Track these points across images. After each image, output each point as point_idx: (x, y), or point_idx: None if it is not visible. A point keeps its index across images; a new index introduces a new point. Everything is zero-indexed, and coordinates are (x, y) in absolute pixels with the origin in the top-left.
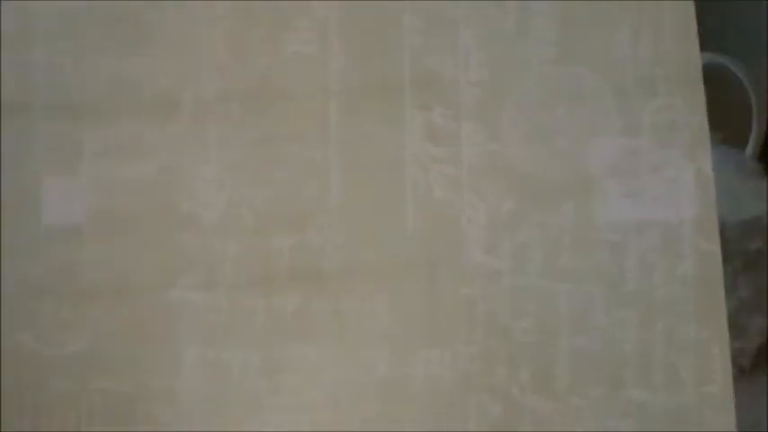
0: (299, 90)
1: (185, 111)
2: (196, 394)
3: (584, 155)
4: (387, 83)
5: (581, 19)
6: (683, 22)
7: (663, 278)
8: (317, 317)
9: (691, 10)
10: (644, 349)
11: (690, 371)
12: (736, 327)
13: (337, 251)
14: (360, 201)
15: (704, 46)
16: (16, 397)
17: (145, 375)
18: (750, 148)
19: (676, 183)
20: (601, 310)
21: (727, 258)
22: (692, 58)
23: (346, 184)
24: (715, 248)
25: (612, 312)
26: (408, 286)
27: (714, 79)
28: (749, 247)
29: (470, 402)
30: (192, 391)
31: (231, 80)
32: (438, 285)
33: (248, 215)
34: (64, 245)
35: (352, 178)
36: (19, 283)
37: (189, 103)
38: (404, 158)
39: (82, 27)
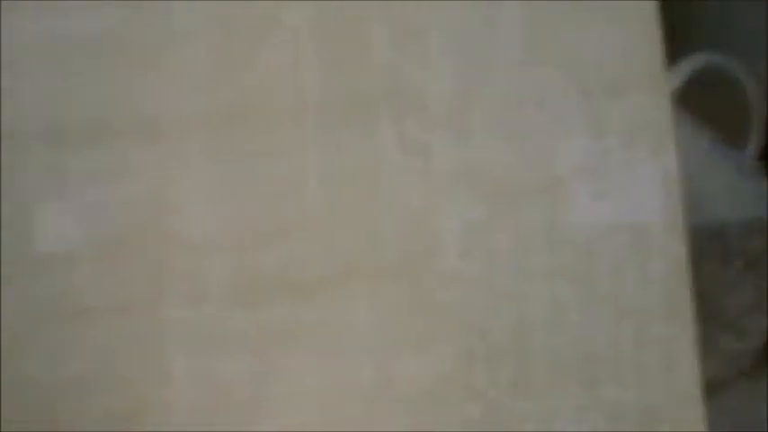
0: (277, 105)
1: (168, 130)
2: (189, 406)
3: (553, 157)
4: (360, 94)
5: (547, 21)
6: (646, 21)
7: (632, 278)
8: (303, 326)
9: (654, 9)
10: (615, 348)
11: (659, 368)
12: (737, 327)
13: (319, 262)
14: (338, 212)
15: (704, 46)
16: (21, 422)
17: (141, 390)
18: (750, 149)
19: (643, 183)
20: (573, 310)
21: (727, 258)
22: (656, 57)
23: (325, 197)
24: (681, 247)
25: (585, 312)
26: (389, 293)
27: (714, 79)
28: (749, 247)
29: (451, 403)
30: (185, 402)
31: (211, 98)
32: (416, 291)
33: (233, 231)
34: (58, 270)
35: (330, 190)
36: (16, 310)
37: (171, 123)
38: (379, 169)
39: (65, 52)
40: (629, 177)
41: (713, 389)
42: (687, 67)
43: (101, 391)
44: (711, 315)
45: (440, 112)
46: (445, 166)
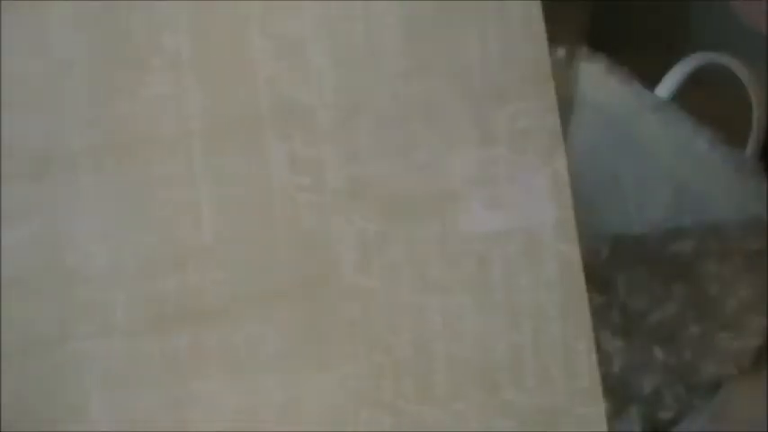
0: (163, 132)
1: (56, 166)
2: None
3: (443, 168)
4: (245, 115)
5: (428, 28)
6: (529, 23)
7: (527, 283)
8: (210, 352)
9: (537, 10)
10: (515, 352)
11: (559, 370)
12: (736, 326)
13: (218, 287)
14: (233, 236)
15: (704, 46)
16: None
17: (56, 426)
18: (750, 148)
19: (534, 188)
20: (472, 318)
21: (727, 258)
22: (541, 59)
23: (218, 221)
24: (574, 250)
25: (483, 320)
26: (290, 313)
27: (714, 79)
28: (749, 247)
29: (361, 418)
30: None
31: (97, 130)
32: (317, 310)
33: (131, 261)
34: None
35: (222, 215)
36: None
37: (59, 158)
38: (270, 190)
39: None
40: (519, 185)
41: (713, 389)
42: (687, 66)
43: (17, 429)
44: (711, 315)
45: (326, 126)
46: (336, 182)
